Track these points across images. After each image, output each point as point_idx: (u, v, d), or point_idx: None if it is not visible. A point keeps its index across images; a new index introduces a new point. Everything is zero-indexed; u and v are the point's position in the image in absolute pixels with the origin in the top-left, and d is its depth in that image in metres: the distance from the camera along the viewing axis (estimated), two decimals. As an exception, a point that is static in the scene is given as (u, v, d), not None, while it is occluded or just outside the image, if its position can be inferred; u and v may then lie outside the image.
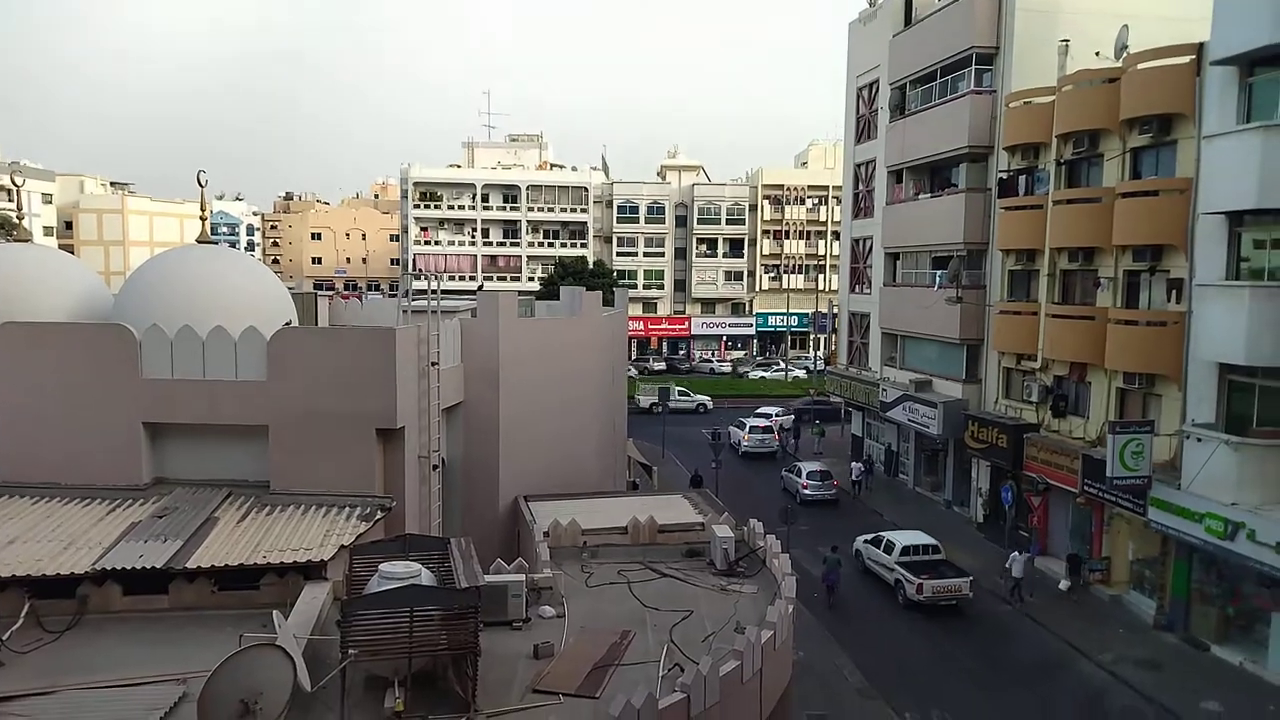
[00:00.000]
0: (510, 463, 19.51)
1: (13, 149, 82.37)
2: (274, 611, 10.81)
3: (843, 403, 46.77)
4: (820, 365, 64.90)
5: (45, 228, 79.51)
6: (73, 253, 62.76)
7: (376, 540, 13.79)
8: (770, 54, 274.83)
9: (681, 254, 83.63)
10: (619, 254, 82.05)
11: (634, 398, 49.90)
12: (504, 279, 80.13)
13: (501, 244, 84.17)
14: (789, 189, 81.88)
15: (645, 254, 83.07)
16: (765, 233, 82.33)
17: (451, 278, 76.28)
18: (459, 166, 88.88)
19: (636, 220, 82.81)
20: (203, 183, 19.65)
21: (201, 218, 20.21)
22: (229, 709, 8.77)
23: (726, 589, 14.73)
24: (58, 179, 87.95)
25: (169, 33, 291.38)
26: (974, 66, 32.69)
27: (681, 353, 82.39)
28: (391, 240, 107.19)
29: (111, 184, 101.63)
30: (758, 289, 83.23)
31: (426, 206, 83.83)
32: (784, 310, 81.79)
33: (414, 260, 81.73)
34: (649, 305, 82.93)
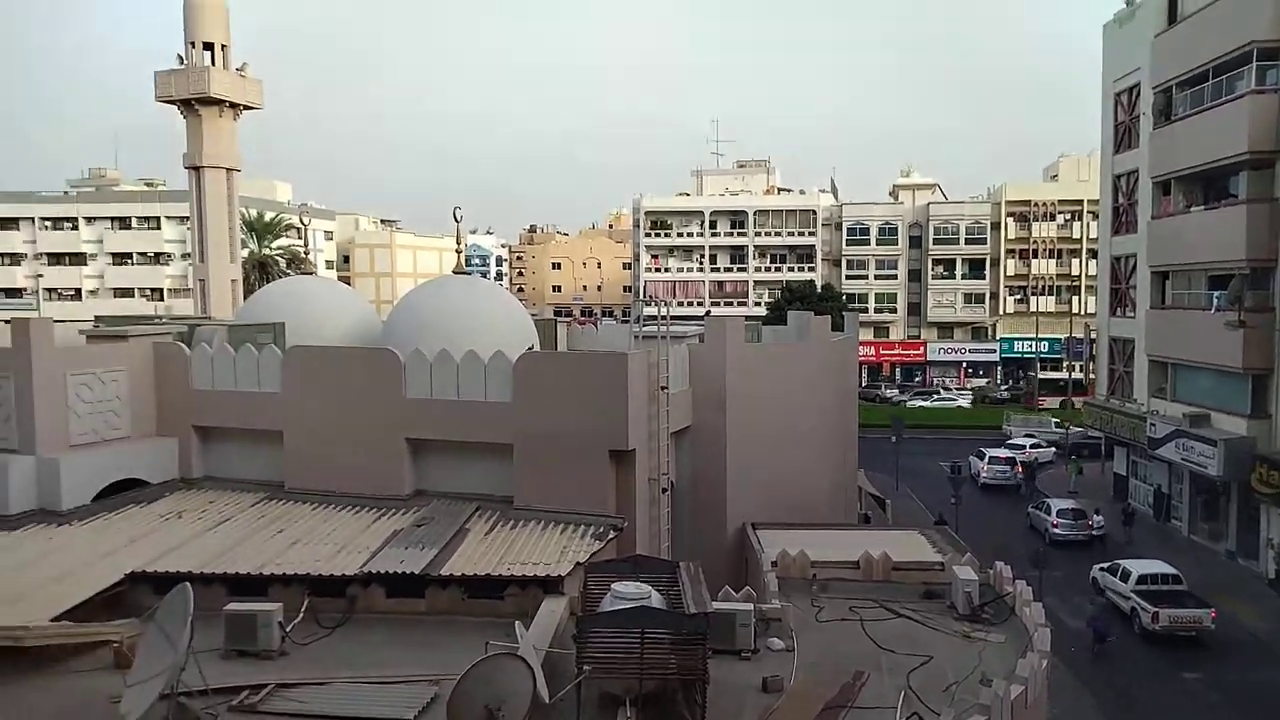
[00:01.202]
0: (738, 488, 19.47)
1: (301, 193, 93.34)
2: (516, 622, 11.37)
3: (1103, 438, 42.92)
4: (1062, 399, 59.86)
5: (327, 261, 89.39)
6: (349, 284, 70.25)
7: (609, 559, 14.18)
8: (1004, 65, 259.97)
9: (916, 276, 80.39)
10: (848, 277, 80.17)
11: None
12: (731, 304, 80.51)
13: (729, 269, 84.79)
14: (1037, 205, 76.59)
15: (876, 276, 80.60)
16: (1010, 252, 77.37)
17: (680, 303, 77.81)
18: (688, 195, 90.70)
19: (867, 242, 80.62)
20: (458, 218, 21.30)
21: (457, 251, 21.90)
22: (475, 713, 9.29)
23: (970, 636, 13.81)
24: (337, 217, 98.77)
25: (421, 92, 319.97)
26: (1255, 64, 29.18)
27: (917, 379, 78.98)
28: (624, 268, 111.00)
29: (381, 221, 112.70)
30: (1001, 312, 78.26)
31: (657, 234, 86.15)
32: (1032, 335, 76.29)
33: (645, 287, 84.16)
34: (880, 330, 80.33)
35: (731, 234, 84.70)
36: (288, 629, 12.76)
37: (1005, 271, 77.59)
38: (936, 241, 78.98)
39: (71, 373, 17.01)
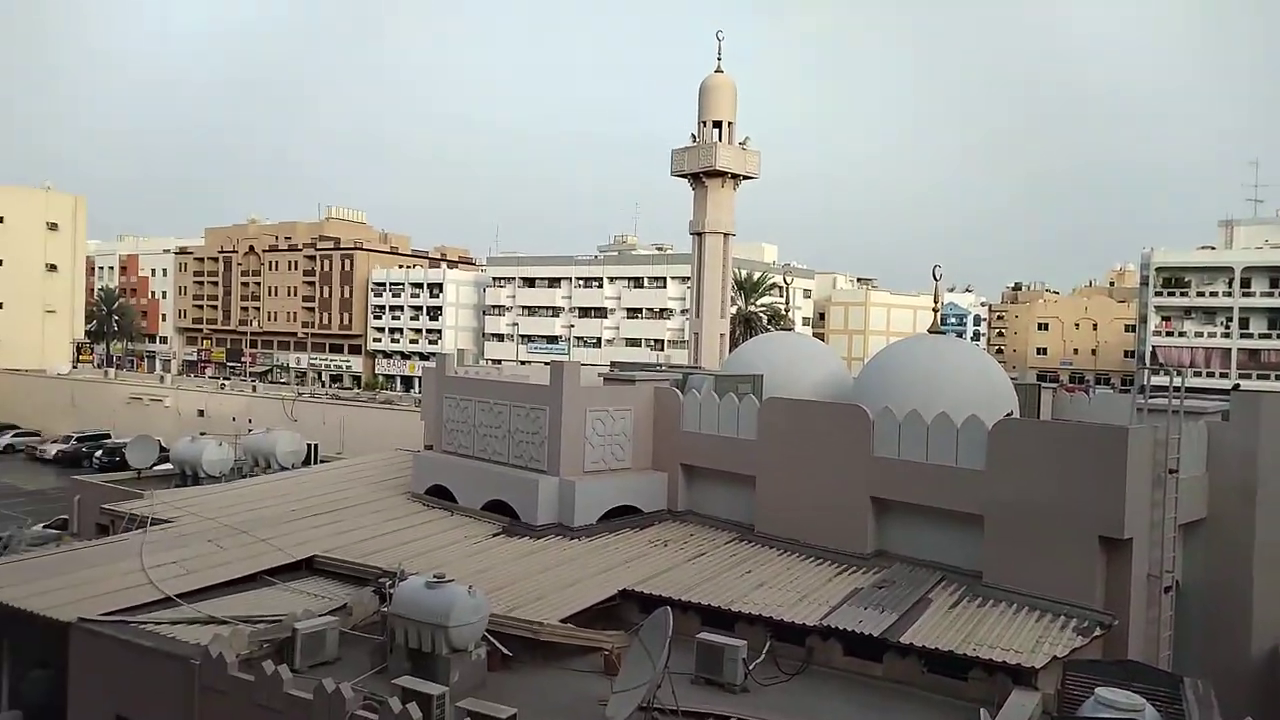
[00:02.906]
0: (1268, 600, 16.07)
1: (786, 253, 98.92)
2: (982, 710, 10.64)
3: None
4: None
5: (804, 318, 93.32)
6: (823, 339, 72.48)
7: (1093, 659, 12.63)
8: None
9: None
10: None
11: None
12: (1268, 377, 67.42)
13: (1265, 335, 71.21)
14: None
15: None
16: None
17: (1198, 373, 67.11)
18: (1212, 248, 78.36)
19: None
20: (938, 277, 20.88)
21: (934, 309, 21.44)
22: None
23: None
24: (816, 276, 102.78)
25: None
26: None
27: None
28: (1126, 330, 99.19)
29: (858, 279, 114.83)
30: None
31: (1170, 294, 75.66)
32: None
33: (1152, 352, 74.15)
34: None
35: (1271, 294, 71.19)
36: (750, 666, 13.39)
37: None
38: None
39: (591, 409, 19.86)
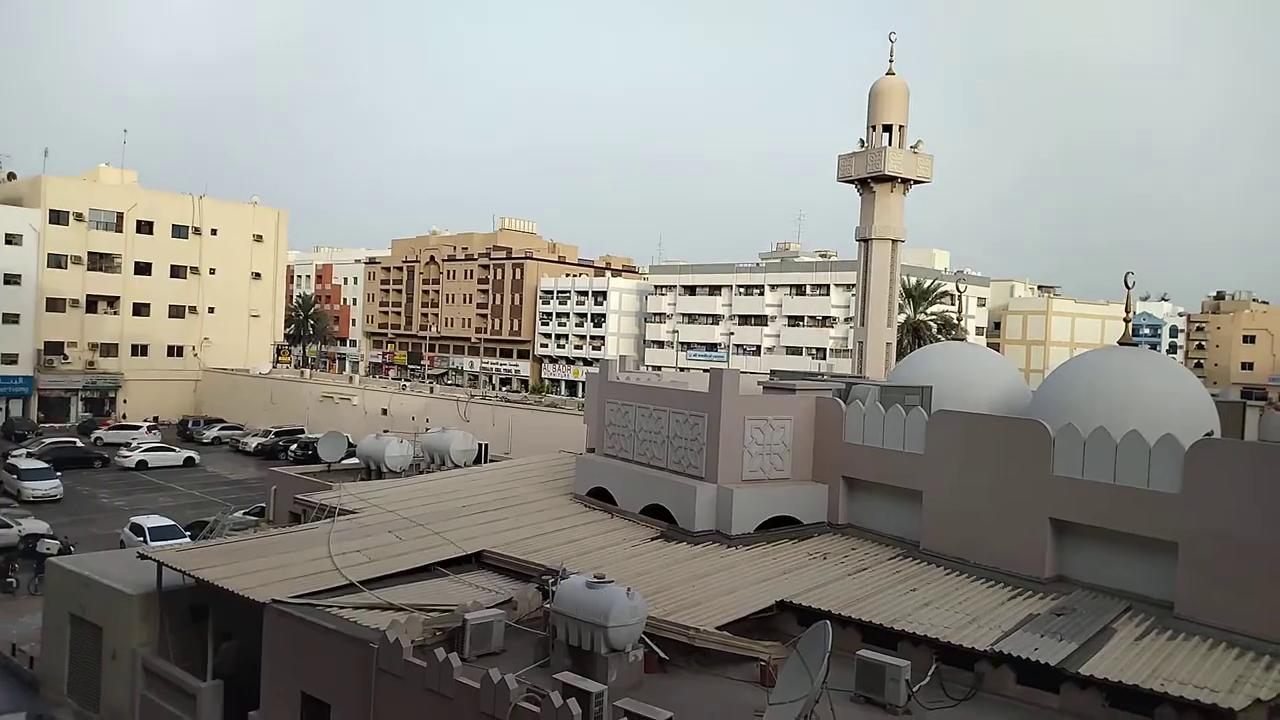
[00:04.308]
0: None
1: (959, 260, 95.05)
2: (1169, 750, 9.80)
3: None
4: None
5: (977, 328, 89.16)
6: (998, 350, 68.95)
7: (1306, 707, 11.38)
8: None
9: None
10: None
11: None
12: None
13: None
14: None
15: None
16: None
17: None
18: None
19: None
20: (1130, 285, 19.49)
21: (1125, 319, 20.03)
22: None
23: None
24: (991, 284, 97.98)
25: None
26: None
27: None
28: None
29: (1039, 287, 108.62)
30: None
31: (1407, 304, 67.28)
32: None
33: (1383, 369, 66.18)
34: None
35: None
36: (914, 688, 12.91)
37: None
38: None
39: (749, 417, 19.75)
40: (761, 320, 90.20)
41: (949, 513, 17.64)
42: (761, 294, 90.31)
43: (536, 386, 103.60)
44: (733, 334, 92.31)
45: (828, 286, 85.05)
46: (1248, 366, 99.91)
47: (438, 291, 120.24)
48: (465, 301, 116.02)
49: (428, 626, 14.13)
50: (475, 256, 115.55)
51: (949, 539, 17.53)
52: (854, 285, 38.85)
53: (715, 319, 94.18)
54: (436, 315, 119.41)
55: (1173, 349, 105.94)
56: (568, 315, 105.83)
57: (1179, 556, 14.43)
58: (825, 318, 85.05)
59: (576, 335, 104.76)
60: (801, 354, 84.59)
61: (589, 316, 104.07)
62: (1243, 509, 13.76)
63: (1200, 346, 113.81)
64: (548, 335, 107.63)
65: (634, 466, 21.39)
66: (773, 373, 28.31)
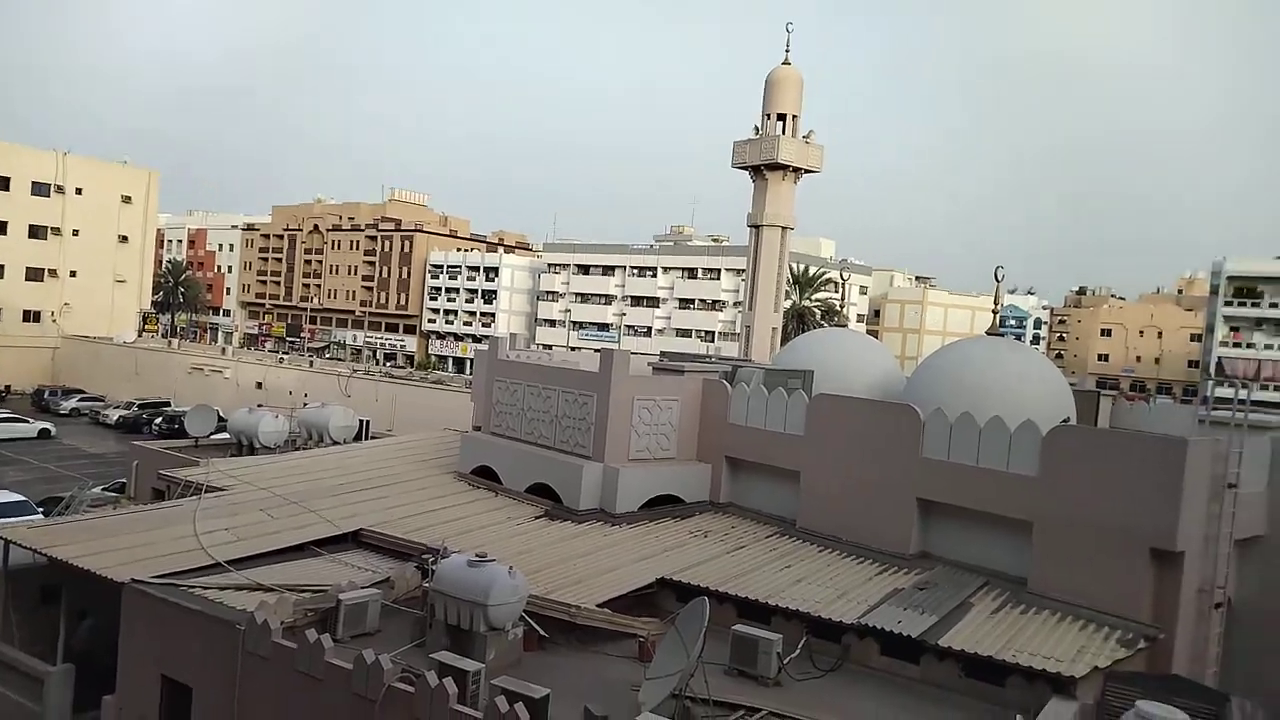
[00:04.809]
0: (1330, 625, 15.51)
1: (844, 249, 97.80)
2: (1018, 716, 10.47)
3: None
4: None
5: (859, 315, 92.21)
6: (877, 337, 71.48)
7: (1136, 672, 12.35)
8: None
9: None
10: None
11: None
12: (1342, 394, 64.86)
13: (1343, 351, 68.58)
14: None
15: None
16: None
17: (1264, 387, 64.80)
18: (1291, 258, 75.55)
19: None
20: (999, 278, 20.47)
21: (993, 310, 21.05)
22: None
23: None
24: (873, 273, 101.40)
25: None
26: None
27: None
28: (1192, 340, 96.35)
29: (916, 278, 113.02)
30: None
31: (1241, 304, 73.21)
32: None
33: (1218, 363, 71.82)
34: None
35: (1352, 307, 68.48)
36: (785, 661, 13.34)
37: None
38: None
39: (638, 398, 19.89)
40: (654, 302, 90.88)
41: (825, 492, 18.24)
42: (654, 276, 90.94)
43: (423, 363, 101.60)
44: (625, 315, 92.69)
45: (719, 271, 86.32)
46: (1104, 358, 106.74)
47: (321, 262, 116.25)
48: (350, 273, 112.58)
49: (299, 607, 13.73)
50: (362, 227, 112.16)
51: (824, 518, 18.14)
52: (744, 270, 39.51)
53: (608, 299, 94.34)
54: (319, 287, 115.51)
55: (1036, 340, 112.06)
56: (458, 291, 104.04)
57: (1033, 535, 15.34)
58: (715, 301, 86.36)
59: (466, 311, 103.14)
60: (691, 336, 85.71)
61: (480, 293, 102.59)
62: (1091, 492, 14.72)
63: (1061, 338, 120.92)
64: (436, 311, 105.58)
65: (521, 445, 21.26)
66: (662, 354, 28.56)
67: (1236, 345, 72.53)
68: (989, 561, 16.16)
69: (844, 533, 17.68)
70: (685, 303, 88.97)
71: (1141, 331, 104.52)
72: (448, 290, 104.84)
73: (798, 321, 58.04)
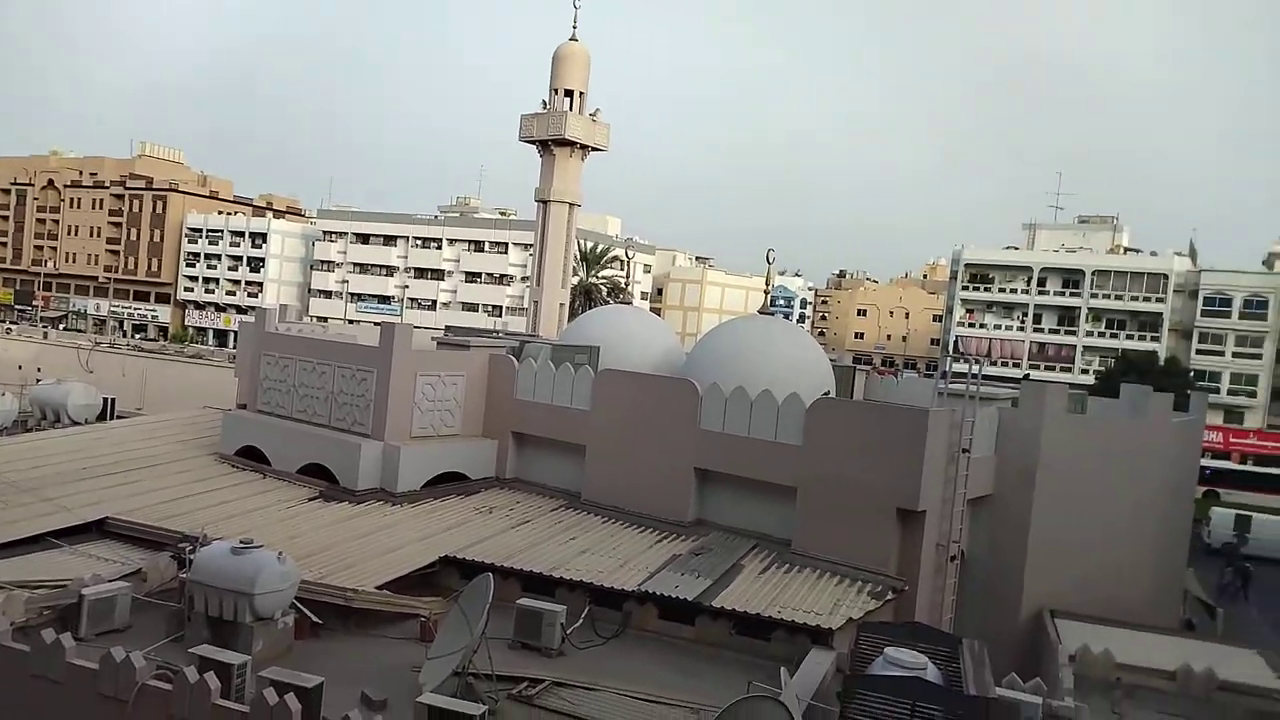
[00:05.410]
0: (1038, 570, 17.81)
1: (630, 228, 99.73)
2: (782, 668, 11.24)
3: None
4: None
5: (643, 293, 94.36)
6: (660, 314, 73.72)
7: (884, 621, 13.61)
8: None
9: (1288, 358, 69.22)
10: (1199, 351, 70.75)
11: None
12: (1053, 369, 74.20)
13: (1054, 331, 78.28)
14: None
15: (1235, 354, 70.42)
16: None
17: (994, 363, 72.91)
18: (1016, 248, 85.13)
19: (1228, 314, 70.78)
20: (770, 260, 21.66)
21: (765, 290, 22.25)
22: (730, 750, 9.29)
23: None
24: (657, 252, 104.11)
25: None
26: None
27: None
28: (934, 320, 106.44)
29: (697, 258, 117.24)
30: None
31: (975, 288, 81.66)
32: None
33: (955, 342, 79.91)
34: (1233, 414, 69.93)
35: (1063, 293, 78.19)
36: (568, 631, 13.58)
37: None
38: (1321, 320, 67.57)
39: (421, 373, 19.38)
40: (439, 275, 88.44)
41: (609, 465, 18.66)
42: (440, 248, 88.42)
43: (178, 335, 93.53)
44: (408, 287, 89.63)
45: (506, 245, 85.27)
46: (860, 336, 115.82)
47: (57, 222, 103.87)
48: (93, 235, 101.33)
49: (32, 605, 12.36)
50: (107, 185, 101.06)
51: (608, 489, 18.56)
52: (532, 245, 39.37)
53: (390, 270, 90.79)
54: (55, 249, 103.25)
55: (802, 319, 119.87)
56: (219, 257, 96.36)
57: (798, 500, 16.49)
58: (503, 275, 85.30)
59: (230, 280, 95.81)
60: (478, 311, 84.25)
61: (245, 260, 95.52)
62: (848, 458, 16.01)
63: (824, 318, 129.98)
64: (194, 278, 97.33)
65: (292, 424, 20.15)
66: (448, 329, 27.99)
67: (971, 325, 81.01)
68: (759, 525, 17.21)
69: (627, 503, 18.18)
70: (472, 276, 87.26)
71: (892, 312, 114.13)
72: (208, 257, 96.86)
73: (585, 298, 58.53)
